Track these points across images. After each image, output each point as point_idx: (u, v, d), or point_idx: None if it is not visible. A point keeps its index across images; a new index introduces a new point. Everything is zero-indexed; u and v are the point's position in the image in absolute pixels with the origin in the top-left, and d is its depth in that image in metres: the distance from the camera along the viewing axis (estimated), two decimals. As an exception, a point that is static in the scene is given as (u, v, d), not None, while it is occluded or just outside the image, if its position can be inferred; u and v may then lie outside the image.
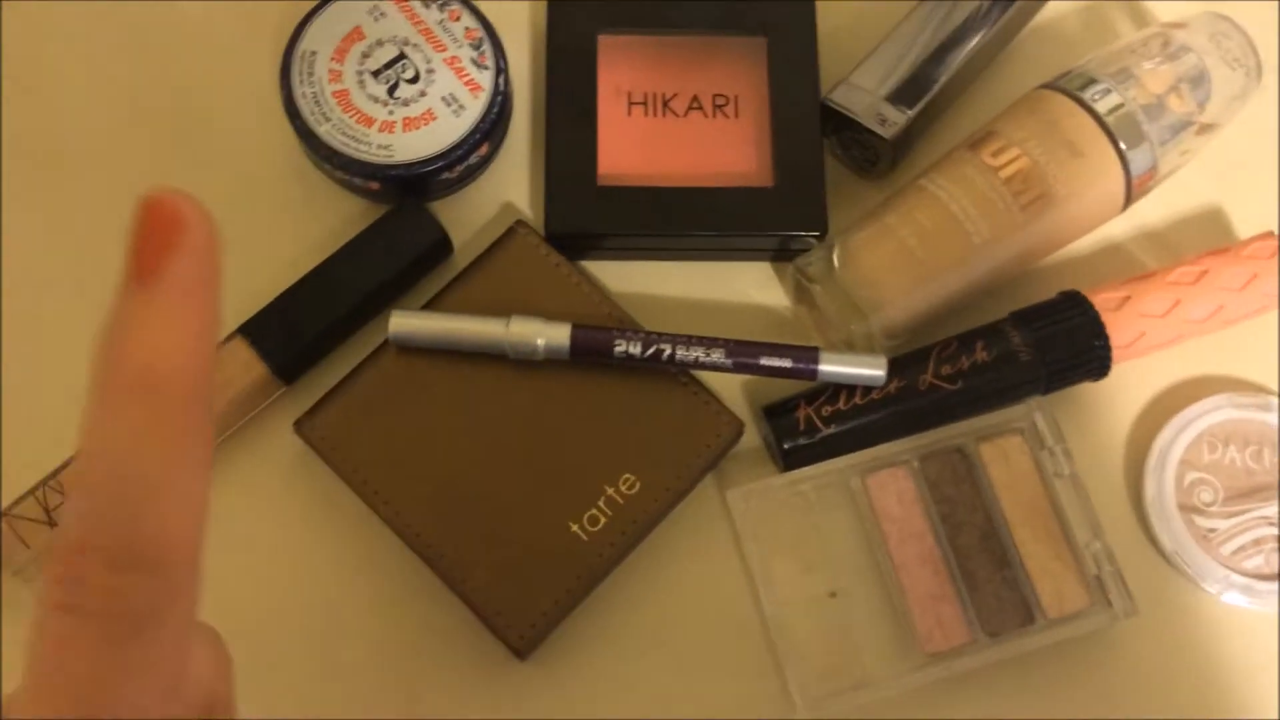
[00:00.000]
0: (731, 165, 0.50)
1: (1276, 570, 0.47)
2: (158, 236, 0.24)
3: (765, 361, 0.46)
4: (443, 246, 0.49)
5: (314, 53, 0.49)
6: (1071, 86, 0.48)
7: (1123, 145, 0.47)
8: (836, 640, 0.46)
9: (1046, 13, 0.55)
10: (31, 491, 0.45)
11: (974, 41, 0.51)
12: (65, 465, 0.45)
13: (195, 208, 0.25)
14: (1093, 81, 0.48)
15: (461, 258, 0.50)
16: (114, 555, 0.23)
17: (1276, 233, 0.49)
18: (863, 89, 0.50)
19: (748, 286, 0.51)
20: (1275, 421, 0.49)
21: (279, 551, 0.47)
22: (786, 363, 0.46)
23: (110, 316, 0.24)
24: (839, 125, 0.51)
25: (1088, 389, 0.49)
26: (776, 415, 0.47)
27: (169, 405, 0.23)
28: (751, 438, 0.49)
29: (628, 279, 0.51)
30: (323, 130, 0.48)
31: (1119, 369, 0.48)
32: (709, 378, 0.49)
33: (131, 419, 0.23)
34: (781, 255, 0.51)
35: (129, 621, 0.23)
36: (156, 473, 0.23)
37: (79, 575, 0.22)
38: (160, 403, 0.23)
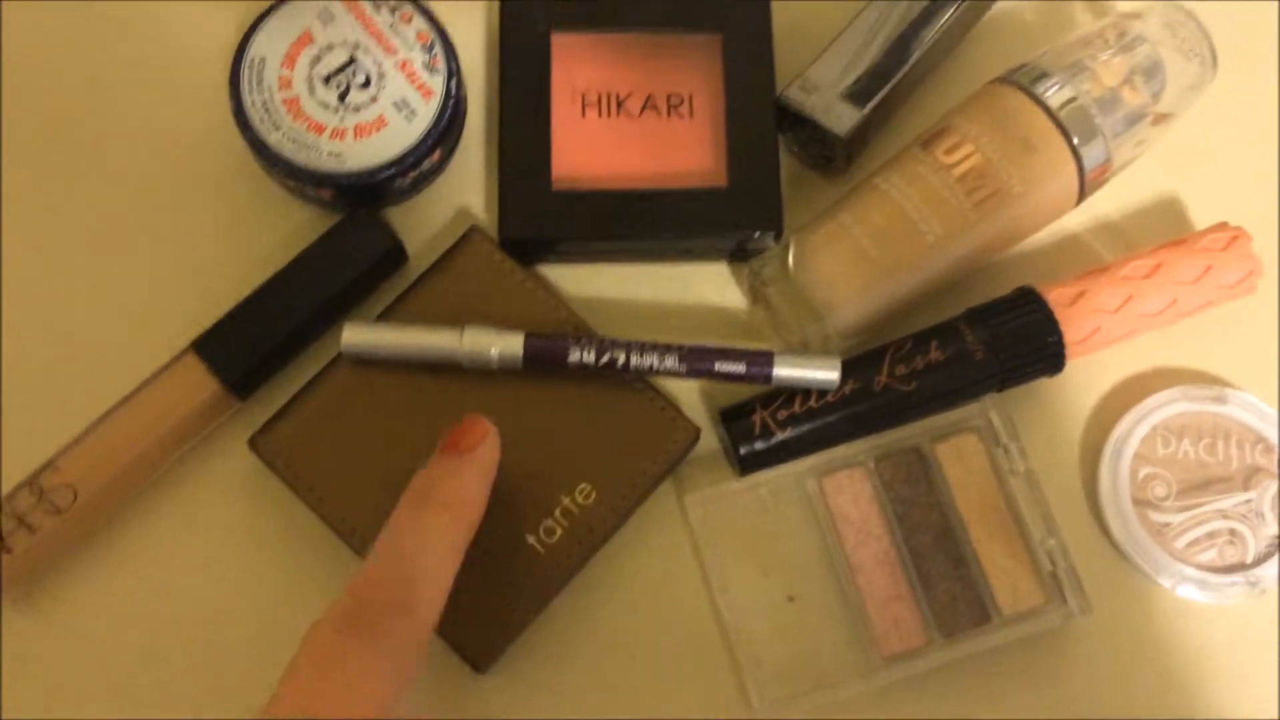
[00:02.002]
0: (687, 165, 0.50)
1: (1230, 563, 0.47)
2: (475, 434, 0.43)
3: (719, 367, 0.46)
4: (397, 254, 0.49)
5: (263, 59, 0.48)
6: (1024, 81, 0.48)
7: (1076, 140, 0.47)
8: (794, 643, 0.46)
9: (1003, 3, 0.54)
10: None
11: (929, 36, 0.50)
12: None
13: (493, 428, 0.44)
14: (1045, 75, 0.48)
15: (417, 264, 0.50)
16: (395, 603, 0.37)
17: (1230, 223, 0.49)
18: (817, 86, 0.50)
19: (705, 287, 0.51)
20: (1228, 413, 0.49)
21: (235, 570, 0.47)
22: (741, 368, 0.46)
23: (430, 468, 0.42)
24: (795, 122, 0.50)
25: (1043, 384, 0.50)
26: (732, 420, 0.47)
27: (460, 524, 0.41)
28: (710, 439, 0.49)
29: (585, 282, 0.51)
30: (273, 139, 0.48)
31: (1073, 363, 0.48)
32: (666, 380, 0.49)
33: (436, 525, 0.40)
34: (739, 255, 0.51)
35: (389, 644, 0.37)
36: (435, 564, 0.39)
37: (363, 613, 0.37)
38: (456, 523, 0.41)
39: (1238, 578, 0.47)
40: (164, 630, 0.46)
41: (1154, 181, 0.52)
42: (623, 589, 0.47)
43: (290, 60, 0.49)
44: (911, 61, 0.50)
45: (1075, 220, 0.52)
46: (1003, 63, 0.50)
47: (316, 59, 0.49)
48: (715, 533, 0.47)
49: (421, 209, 0.51)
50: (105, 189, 0.51)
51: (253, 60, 0.48)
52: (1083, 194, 0.48)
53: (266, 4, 0.49)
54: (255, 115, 0.48)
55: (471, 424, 0.43)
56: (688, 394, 0.50)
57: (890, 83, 0.50)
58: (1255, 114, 0.54)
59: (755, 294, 0.50)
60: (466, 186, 0.52)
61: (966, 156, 0.46)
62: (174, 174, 0.51)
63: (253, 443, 0.46)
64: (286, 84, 0.48)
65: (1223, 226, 0.49)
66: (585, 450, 0.46)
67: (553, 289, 0.50)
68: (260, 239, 0.50)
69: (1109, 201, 0.52)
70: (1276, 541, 0.48)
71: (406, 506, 0.41)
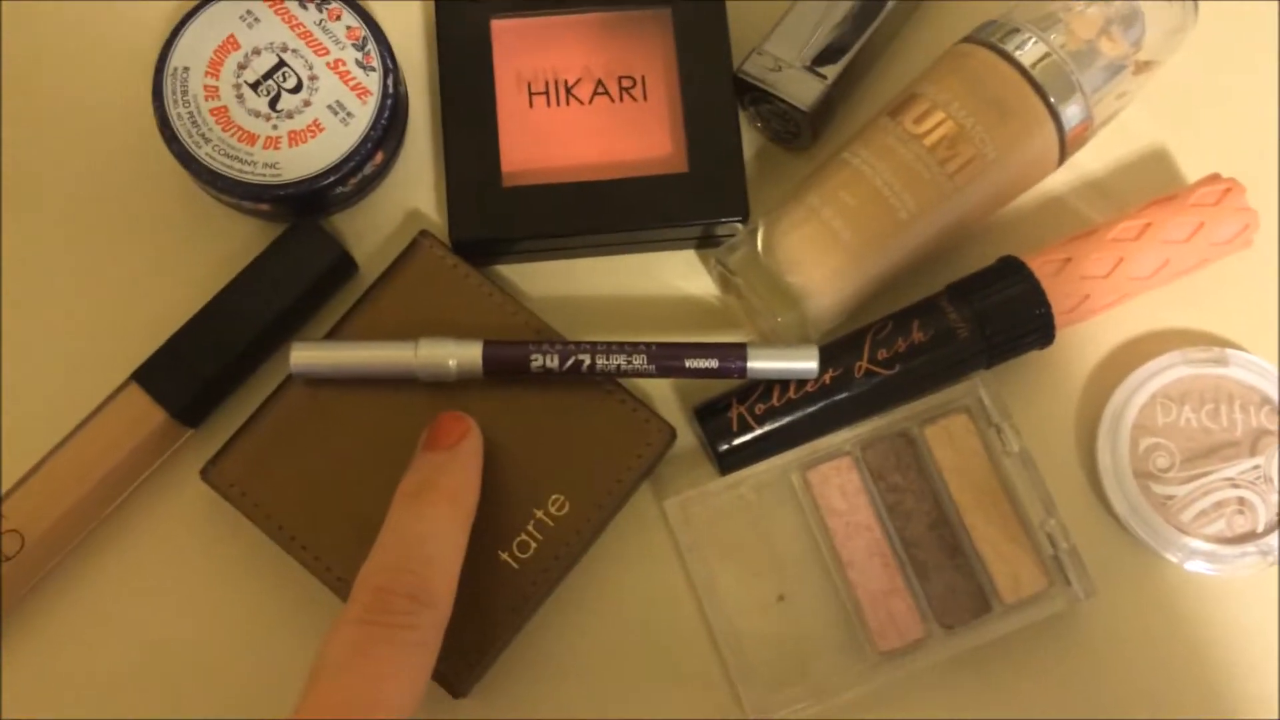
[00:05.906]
0: (644, 151, 0.47)
1: (1239, 533, 0.45)
2: (456, 431, 0.42)
3: (690, 364, 0.44)
4: (345, 264, 0.47)
5: (186, 69, 0.46)
6: (993, 38, 0.45)
7: (1053, 99, 0.44)
8: (788, 646, 0.44)
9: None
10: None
11: (892, -5, 0.47)
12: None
13: (472, 423, 0.43)
14: (1015, 31, 0.45)
15: (369, 272, 0.47)
16: (414, 594, 0.37)
17: (1222, 174, 0.47)
18: (777, 57, 0.47)
19: (673, 277, 0.49)
20: (1230, 375, 0.46)
21: (197, 605, 0.45)
22: (713, 363, 0.44)
23: (417, 465, 0.41)
24: (756, 97, 0.47)
25: (1034, 356, 0.47)
26: (708, 417, 0.45)
27: (460, 515, 0.40)
28: (687, 435, 0.47)
29: (546, 280, 0.48)
30: (203, 153, 0.45)
31: (1064, 332, 0.46)
32: (637, 379, 0.46)
33: (438, 516, 0.39)
34: (706, 242, 0.48)
35: (415, 636, 0.36)
36: (442, 551, 0.39)
37: (385, 604, 0.36)
38: (456, 512, 0.40)
39: (1249, 548, 0.45)
40: (126, 673, 0.44)
41: (1141, 133, 0.50)
42: (604, 600, 0.45)
43: (215, 68, 0.46)
44: (876, 24, 0.47)
45: (1058, 180, 0.49)
46: (972, 19, 0.48)
47: (243, 65, 0.46)
48: (698, 535, 0.45)
49: (369, 214, 0.49)
50: (26, 216, 0.48)
51: (175, 70, 0.46)
52: (1064, 155, 0.45)
53: (190, 4, 0.46)
54: (182, 129, 0.45)
55: (450, 421, 0.42)
56: (661, 389, 0.47)
57: (854, 48, 0.47)
58: (1244, 56, 0.51)
59: (725, 283, 0.47)
60: (416, 187, 0.49)
61: (938, 125, 0.44)
62: (101, 194, 0.48)
63: (204, 473, 0.44)
64: (213, 93, 0.46)
65: (1214, 179, 0.46)
66: (556, 459, 0.44)
67: (510, 291, 0.47)
68: (199, 257, 0.48)
69: (1093, 158, 0.49)
70: (1287, 507, 0.45)
71: (405, 498, 0.40)
